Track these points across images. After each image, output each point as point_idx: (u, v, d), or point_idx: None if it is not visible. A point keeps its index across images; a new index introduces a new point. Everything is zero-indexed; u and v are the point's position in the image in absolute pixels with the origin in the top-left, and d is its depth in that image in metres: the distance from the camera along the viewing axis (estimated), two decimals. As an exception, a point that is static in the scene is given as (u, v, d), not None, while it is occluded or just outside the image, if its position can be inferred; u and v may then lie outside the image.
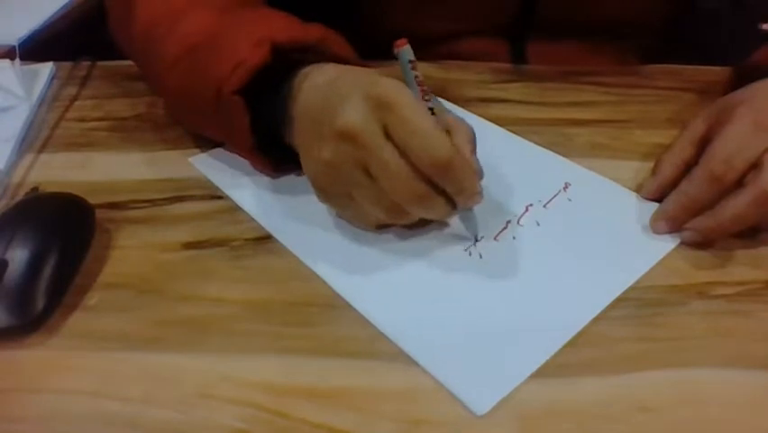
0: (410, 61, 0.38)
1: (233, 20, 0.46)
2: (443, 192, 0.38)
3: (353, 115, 0.36)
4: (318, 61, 0.43)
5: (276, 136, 0.45)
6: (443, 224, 0.44)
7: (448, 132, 0.38)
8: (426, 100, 0.38)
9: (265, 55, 0.43)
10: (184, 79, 0.46)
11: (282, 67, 0.43)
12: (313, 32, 0.45)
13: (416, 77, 0.38)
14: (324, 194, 0.41)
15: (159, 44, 0.48)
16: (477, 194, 0.38)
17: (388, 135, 0.36)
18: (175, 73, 0.47)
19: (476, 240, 0.42)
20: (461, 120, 0.41)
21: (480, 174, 0.39)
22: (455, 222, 0.43)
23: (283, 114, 0.43)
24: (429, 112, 0.37)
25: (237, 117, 0.44)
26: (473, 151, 0.40)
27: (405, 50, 0.38)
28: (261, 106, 0.44)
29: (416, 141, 0.35)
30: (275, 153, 0.46)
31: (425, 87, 0.38)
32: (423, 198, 0.37)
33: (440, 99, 0.40)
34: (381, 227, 0.43)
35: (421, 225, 0.43)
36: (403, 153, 0.36)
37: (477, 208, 0.41)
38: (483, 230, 0.43)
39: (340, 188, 0.39)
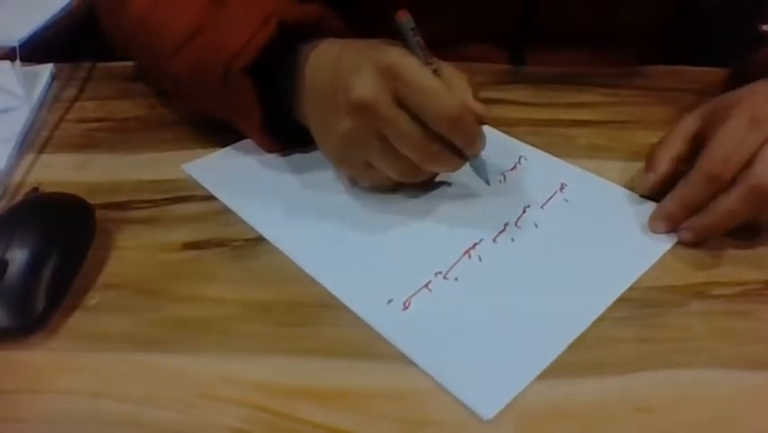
0: (411, 29, 0.41)
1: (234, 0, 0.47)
2: (451, 147, 0.41)
3: (365, 86, 0.38)
4: (317, 37, 0.45)
5: (282, 113, 0.47)
6: (442, 221, 0.44)
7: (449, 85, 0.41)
8: (429, 63, 0.41)
9: (272, 32, 0.44)
10: (189, 63, 0.48)
11: (286, 44, 0.45)
12: (314, 10, 0.47)
13: (418, 42, 0.41)
14: (343, 164, 0.44)
15: (157, 31, 0.49)
16: (481, 141, 0.42)
17: (399, 102, 0.39)
18: (179, 59, 0.48)
19: (488, 183, 0.45)
20: (456, 71, 0.42)
21: (486, 117, 0.41)
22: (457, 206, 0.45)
23: (291, 90, 0.45)
24: (433, 73, 0.40)
25: (245, 95, 0.45)
26: (475, 95, 0.41)
27: (407, 20, 0.41)
28: (267, 84, 0.45)
29: (429, 103, 0.38)
30: (282, 131, 0.48)
31: (426, 52, 0.41)
32: (437, 156, 0.41)
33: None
34: (395, 187, 0.46)
35: (430, 183, 0.47)
36: (415, 117, 0.39)
37: (473, 210, 0.44)
38: (481, 233, 0.43)
39: (358, 157, 0.42)
